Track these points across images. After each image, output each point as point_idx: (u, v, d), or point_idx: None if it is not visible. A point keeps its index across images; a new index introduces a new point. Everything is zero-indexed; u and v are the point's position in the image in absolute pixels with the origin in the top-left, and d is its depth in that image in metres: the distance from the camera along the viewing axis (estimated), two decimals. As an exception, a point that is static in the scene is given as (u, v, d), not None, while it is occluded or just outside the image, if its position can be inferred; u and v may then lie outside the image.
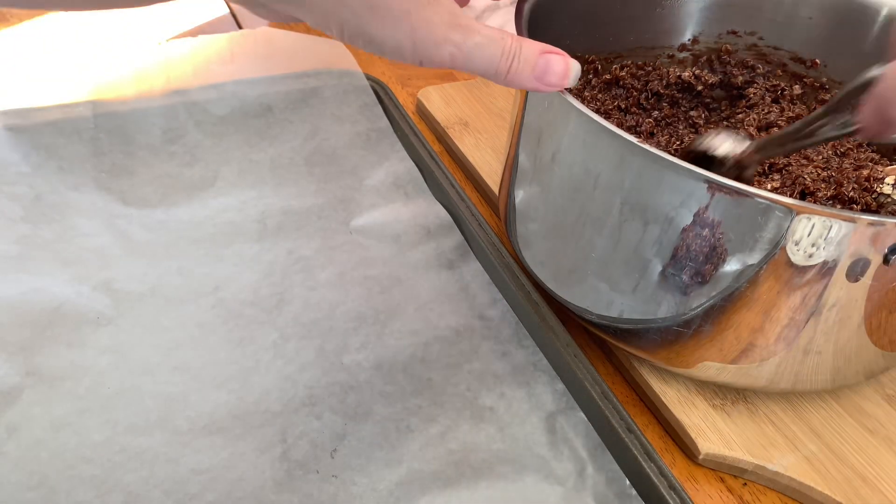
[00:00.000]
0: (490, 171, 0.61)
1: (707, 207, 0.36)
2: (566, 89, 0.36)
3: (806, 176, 0.44)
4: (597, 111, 0.52)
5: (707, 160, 0.42)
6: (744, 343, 0.40)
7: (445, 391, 0.44)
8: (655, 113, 0.55)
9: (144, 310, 0.46)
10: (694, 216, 0.36)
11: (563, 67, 0.33)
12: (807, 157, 0.49)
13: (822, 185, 0.44)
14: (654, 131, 0.54)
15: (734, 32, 0.56)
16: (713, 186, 0.35)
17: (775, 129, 0.51)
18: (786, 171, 0.47)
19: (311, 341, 0.46)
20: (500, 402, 0.43)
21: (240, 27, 0.78)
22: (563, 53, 0.33)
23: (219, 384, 0.43)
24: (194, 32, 0.74)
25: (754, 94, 0.55)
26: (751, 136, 0.50)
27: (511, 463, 0.41)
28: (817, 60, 0.55)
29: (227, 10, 0.81)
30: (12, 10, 0.73)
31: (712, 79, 0.56)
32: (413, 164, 0.60)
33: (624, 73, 0.55)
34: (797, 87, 0.55)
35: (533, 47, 0.32)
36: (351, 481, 0.39)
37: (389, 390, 0.43)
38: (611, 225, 0.40)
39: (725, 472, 0.43)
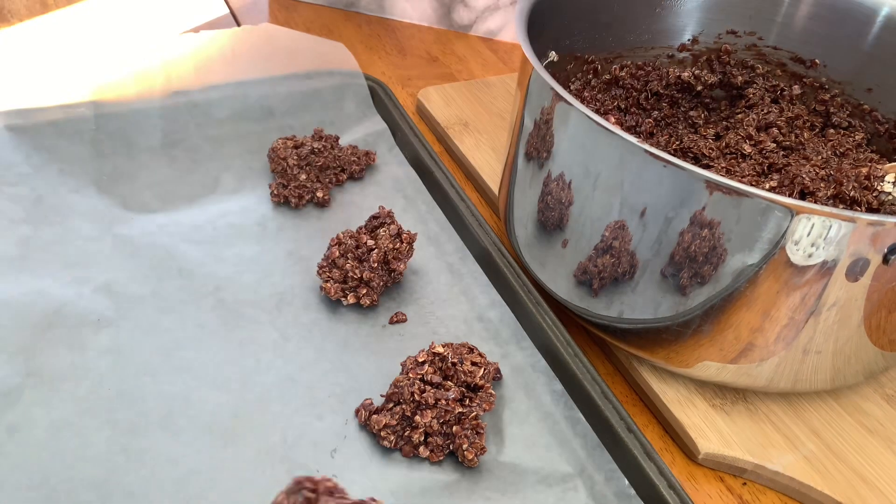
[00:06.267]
0: (490, 171, 0.61)
1: (706, 207, 0.36)
2: (567, 89, 0.36)
3: (805, 175, 0.44)
4: (597, 111, 0.52)
5: None
6: (743, 343, 0.40)
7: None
8: (655, 113, 0.55)
9: (145, 311, 0.46)
10: (693, 216, 0.36)
11: None
12: (805, 157, 0.49)
13: (822, 185, 0.44)
14: (654, 131, 0.54)
15: (734, 32, 0.56)
16: (712, 186, 0.35)
17: (774, 130, 0.51)
18: (784, 170, 0.47)
19: (311, 341, 0.46)
20: (498, 404, 0.43)
21: (239, 26, 0.78)
22: None
23: (219, 384, 0.43)
24: (195, 31, 0.74)
25: (754, 94, 0.55)
26: (749, 136, 0.50)
27: (510, 463, 0.41)
28: (817, 60, 0.55)
29: (227, 10, 0.81)
30: (13, 9, 0.73)
31: (712, 79, 0.56)
32: (412, 165, 0.60)
33: (624, 73, 0.55)
34: (797, 87, 0.55)
35: None
36: (351, 481, 0.39)
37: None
38: (611, 225, 0.40)
39: (725, 471, 0.43)
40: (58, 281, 0.47)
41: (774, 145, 0.50)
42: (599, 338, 0.48)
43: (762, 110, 0.53)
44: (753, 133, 0.50)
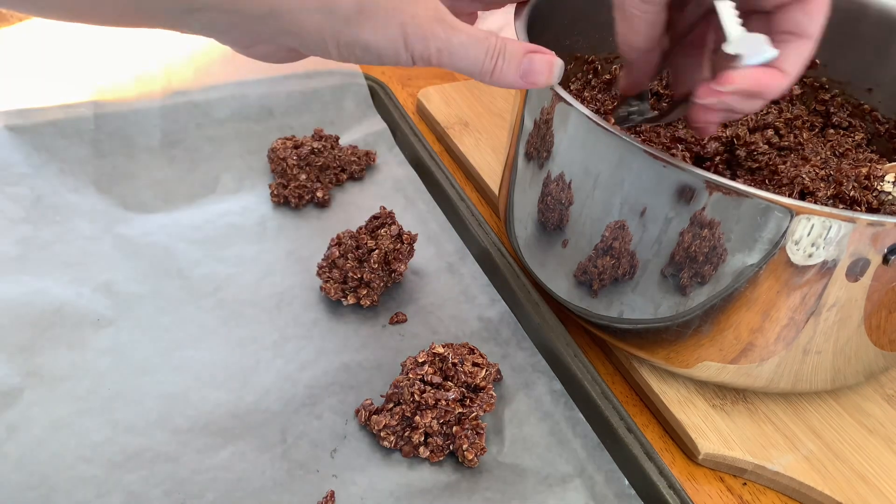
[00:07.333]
0: (490, 171, 0.61)
1: (706, 207, 0.36)
2: (567, 89, 0.36)
3: (804, 175, 0.44)
4: (597, 111, 0.52)
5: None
6: (743, 343, 0.40)
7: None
8: (655, 113, 0.55)
9: (144, 311, 0.46)
10: (693, 216, 0.36)
11: (548, 66, 0.33)
12: (804, 158, 0.49)
13: (822, 185, 0.44)
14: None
15: (734, 32, 0.56)
16: (713, 186, 0.35)
17: (770, 132, 0.51)
18: (779, 171, 0.47)
19: (310, 341, 0.46)
20: (498, 404, 0.43)
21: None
22: (547, 52, 0.33)
23: (219, 384, 0.43)
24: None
25: (754, 94, 0.55)
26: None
27: (510, 463, 0.41)
28: (817, 60, 0.55)
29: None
30: (13, 10, 0.73)
31: (712, 79, 0.56)
32: (412, 165, 0.60)
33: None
34: (797, 86, 0.55)
35: (517, 47, 0.32)
36: (351, 481, 0.39)
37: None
38: (611, 225, 0.40)
39: (725, 471, 0.43)
40: (57, 281, 0.47)
41: (767, 146, 0.50)
42: (599, 338, 0.48)
43: (762, 110, 0.53)
44: (745, 134, 0.50)
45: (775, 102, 0.55)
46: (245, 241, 0.52)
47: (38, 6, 0.30)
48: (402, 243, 0.48)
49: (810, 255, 0.35)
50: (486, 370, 0.42)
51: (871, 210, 0.42)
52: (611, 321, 0.44)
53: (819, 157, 0.49)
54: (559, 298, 0.46)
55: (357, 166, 0.59)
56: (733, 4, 0.34)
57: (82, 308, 0.45)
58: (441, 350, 0.42)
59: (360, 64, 0.32)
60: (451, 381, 0.41)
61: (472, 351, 0.43)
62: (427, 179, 0.58)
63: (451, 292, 0.50)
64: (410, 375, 0.41)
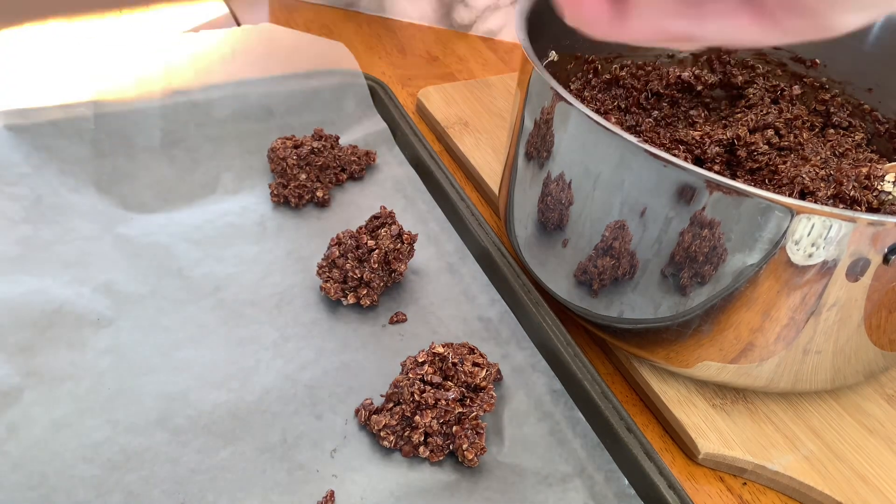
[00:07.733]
0: (490, 171, 0.61)
1: (706, 207, 0.36)
2: (567, 89, 0.36)
3: (804, 175, 0.44)
4: (597, 111, 0.52)
5: None
6: (743, 343, 0.40)
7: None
8: (655, 113, 0.55)
9: (144, 311, 0.46)
10: (693, 216, 0.36)
11: None
12: (804, 158, 0.49)
13: (822, 185, 0.44)
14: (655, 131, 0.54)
15: (734, 32, 0.56)
16: (713, 186, 0.35)
17: (770, 132, 0.51)
18: (779, 171, 0.47)
19: (311, 341, 0.46)
20: (498, 404, 0.43)
21: (239, 26, 0.78)
22: None
23: (219, 384, 0.43)
24: (195, 31, 0.74)
25: (754, 94, 0.55)
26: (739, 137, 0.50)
27: (510, 463, 0.41)
28: (817, 60, 0.55)
29: (227, 10, 0.81)
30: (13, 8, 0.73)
31: (712, 79, 0.56)
32: (412, 165, 0.60)
33: (624, 73, 0.55)
34: (797, 87, 0.55)
35: None
36: (351, 481, 0.39)
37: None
38: (611, 225, 0.40)
39: (725, 471, 0.43)
40: (57, 280, 0.47)
41: (767, 147, 0.50)
42: (599, 338, 0.48)
43: (761, 111, 0.53)
44: (744, 133, 0.50)
45: (775, 102, 0.55)
46: (245, 241, 0.52)
47: None
48: (402, 243, 0.48)
49: (810, 255, 0.35)
50: (487, 370, 0.42)
51: (871, 210, 0.42)
52: (611, 321, 0.44)
53: (819, 157, 0.49)
54: (559, 298, 0.46)
55: (357, 166, 0.59)
56: None
57: (82, 308, 0.45)
58: (441, 350, 0.42)
59: None
60: (451, 381, 0.41)
61: (472, 351, 0.43)
62: (427, 179, 0.58)
63: (451, 292, 0.50)
64: (410, 375, 0.41)
